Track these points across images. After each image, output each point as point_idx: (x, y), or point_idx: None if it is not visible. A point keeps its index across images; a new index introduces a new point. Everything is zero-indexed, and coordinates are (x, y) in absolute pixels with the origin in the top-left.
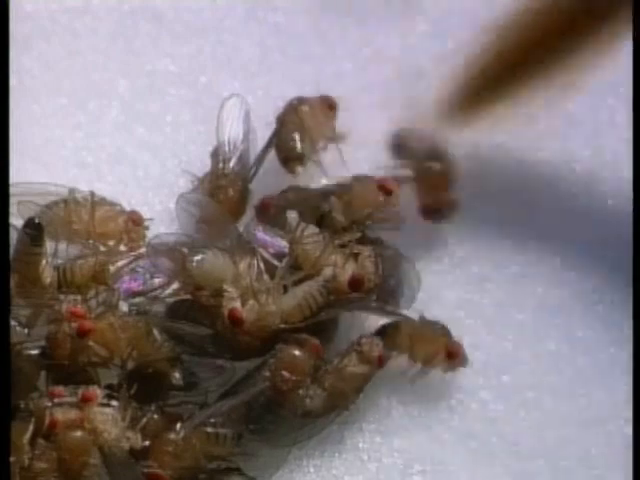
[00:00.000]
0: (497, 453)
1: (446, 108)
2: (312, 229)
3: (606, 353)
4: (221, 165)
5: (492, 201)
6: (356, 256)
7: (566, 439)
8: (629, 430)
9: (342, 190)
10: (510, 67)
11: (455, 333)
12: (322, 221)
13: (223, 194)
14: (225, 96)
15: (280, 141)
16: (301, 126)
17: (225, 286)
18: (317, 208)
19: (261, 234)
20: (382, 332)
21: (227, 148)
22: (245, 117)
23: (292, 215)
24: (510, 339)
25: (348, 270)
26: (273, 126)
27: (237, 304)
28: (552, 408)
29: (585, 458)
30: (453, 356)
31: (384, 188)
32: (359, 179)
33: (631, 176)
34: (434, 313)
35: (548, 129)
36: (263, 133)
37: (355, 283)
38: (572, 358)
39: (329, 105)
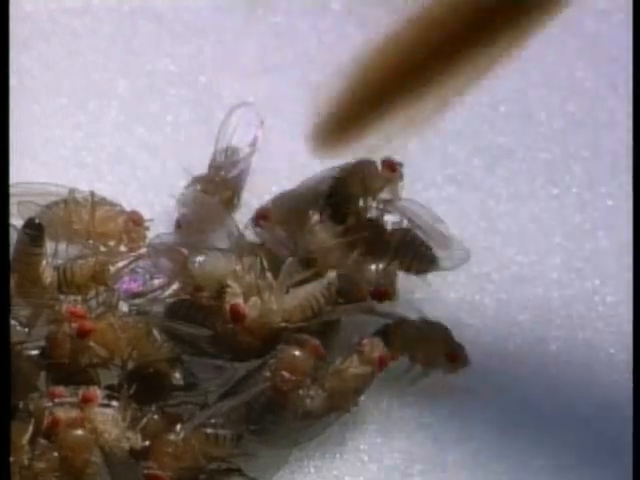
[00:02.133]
0: (497, 453)
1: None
2: (332, 232)
3: (606, 353)
4: (216, 171)
5: (492, 201)
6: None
7: (566, 439)
8: (629, 430)
9: (344, 173)
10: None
11: (456, 334)
12: (327, 201)
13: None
14: (226, 98)
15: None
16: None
17: (228, 281)
18: (315, 203)
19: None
20: (383, 333)
21: (225, 155)
22: (255, 127)
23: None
24: (510, 339)
25: (371, 279)
26: (271, 126)
27: (239, 300)
28: (552, 408)
29: (585, 458)
30: (454, 358)
31: (389, 165)
32: (361, 161)
33: (631, 176)
34: (434, 314)
35: (548, 129)
36: (262, 133)
37: (379, 294)
38: (572, 358)
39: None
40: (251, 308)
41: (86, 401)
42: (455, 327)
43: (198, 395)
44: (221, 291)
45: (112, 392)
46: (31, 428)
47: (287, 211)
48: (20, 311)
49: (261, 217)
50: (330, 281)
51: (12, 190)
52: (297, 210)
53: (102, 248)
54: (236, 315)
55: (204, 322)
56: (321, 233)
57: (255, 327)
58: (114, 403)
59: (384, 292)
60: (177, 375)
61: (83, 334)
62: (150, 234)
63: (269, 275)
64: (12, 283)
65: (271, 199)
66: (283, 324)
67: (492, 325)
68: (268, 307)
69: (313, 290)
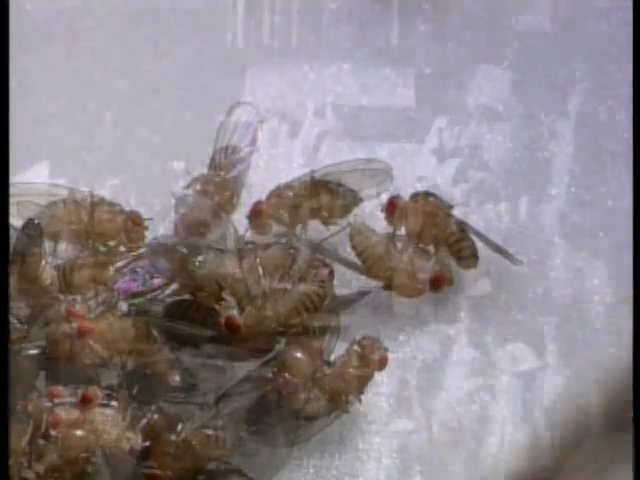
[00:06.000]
0: (497, 453)
1: None
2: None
3: (606, 353)
4: (215, 171)
5: (492, 200)
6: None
7: (566, 439)
8: (630, 430)
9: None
10: None
11: (455, 333)
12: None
13: (210, 199)
14: (225, 98)
15: None
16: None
17: (223, 294)
18: (309, 199)
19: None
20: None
21: (225, 156)
22: (254, 127)
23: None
24: (510, 339)
25: (424, 268)
26: (271, 126)
27: (234, 311)
28: (552, 408)
29: (585, 459)
30: (438, 283)
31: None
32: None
33: (631, 176)
34: (433, 313)
35: (548, 129)
36: (261, 133)
37: (438, 281)
38: (572, 358)
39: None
40: (246, 318)
41: (86, 401)
42: (454, 326)
43: (198, 396)
44: (219, 293)
45: (112, 392)
46: (30, 429)
47: (281, 207)
48: (20, 311)
49: (256, 212)
50: (322, 278)
51: (11, 190)
52: (292, 206)
53: (101, 248)
54: (232, 327)
55: (204, 322)
56: (368, 232)
57: (252, 334)
58: (114, 403)
59: (443, 278)
60: (176, 377)
61: (83, 334)
62: (149, 234)
63: (264, 282)
64: (12, 283)
65: (268, 195)
66: (280, 328)
67: (492, 325)
68: (263, 314)
69: (306, 289)
